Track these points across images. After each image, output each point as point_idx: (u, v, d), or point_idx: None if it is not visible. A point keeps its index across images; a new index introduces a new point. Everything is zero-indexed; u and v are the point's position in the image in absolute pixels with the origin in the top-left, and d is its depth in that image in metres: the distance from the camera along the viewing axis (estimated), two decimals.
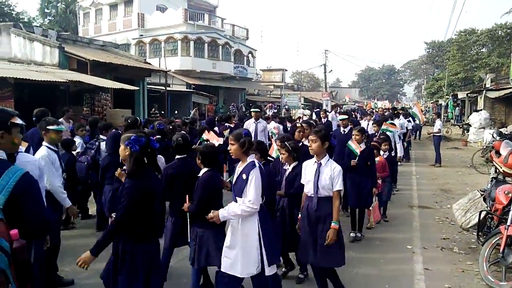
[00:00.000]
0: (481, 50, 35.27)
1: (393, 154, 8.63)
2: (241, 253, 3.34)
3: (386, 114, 15.73)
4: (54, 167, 4.24)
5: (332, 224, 3.75)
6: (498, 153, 5.10)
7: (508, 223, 4.53)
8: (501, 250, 4.47)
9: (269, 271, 3.36)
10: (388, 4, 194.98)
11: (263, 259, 3.32)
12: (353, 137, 6.17)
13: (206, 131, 7.44)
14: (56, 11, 41.15)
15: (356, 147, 5.97)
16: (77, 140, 6.85)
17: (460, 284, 4.67)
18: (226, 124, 10.20)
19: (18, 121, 2.38)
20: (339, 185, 3.82)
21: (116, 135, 5.31)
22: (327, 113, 14.95)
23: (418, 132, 20.60)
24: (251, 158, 3.44)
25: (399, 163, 9.75)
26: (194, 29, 29.75)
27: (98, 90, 13.82)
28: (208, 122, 10.12)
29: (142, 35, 30.54)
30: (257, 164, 3.40)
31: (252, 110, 9.74)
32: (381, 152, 7.37)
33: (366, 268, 4.92)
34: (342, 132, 7.56)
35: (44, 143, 4.35)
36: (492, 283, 4.43)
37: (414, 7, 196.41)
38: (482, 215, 5.13)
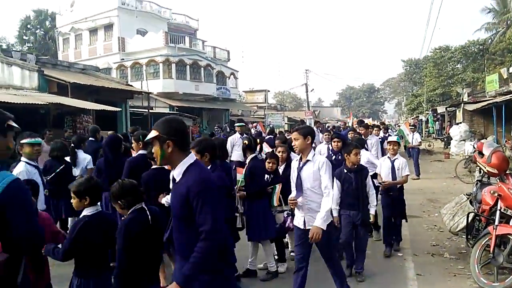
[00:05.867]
0: (456, 66, 36.30)
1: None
2: None
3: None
4: None
5: None
6: (481, 153, 5.14)
7: (496, 222, 4.53)
8: (491, 251, 4.45)
9: None
10: (365, 24, 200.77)
11: None
12: None
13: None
14: (34, 37, 40.98)
15: None
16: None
17: (454, 287, 4.61)
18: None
19: (14, 124, 2.21)
20: None
21: None
22: None
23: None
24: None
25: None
26: (175, 52, 29.84)
27: (80, 113, 13.63)
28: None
29: (123, 59, 30.45)
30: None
31: (236, 124, 9.74)
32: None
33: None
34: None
35: (22, 158, 4.30)
36: (485, 285, 4.38)
37: (390, 26, 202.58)
38: (470, 218, 5.12)
